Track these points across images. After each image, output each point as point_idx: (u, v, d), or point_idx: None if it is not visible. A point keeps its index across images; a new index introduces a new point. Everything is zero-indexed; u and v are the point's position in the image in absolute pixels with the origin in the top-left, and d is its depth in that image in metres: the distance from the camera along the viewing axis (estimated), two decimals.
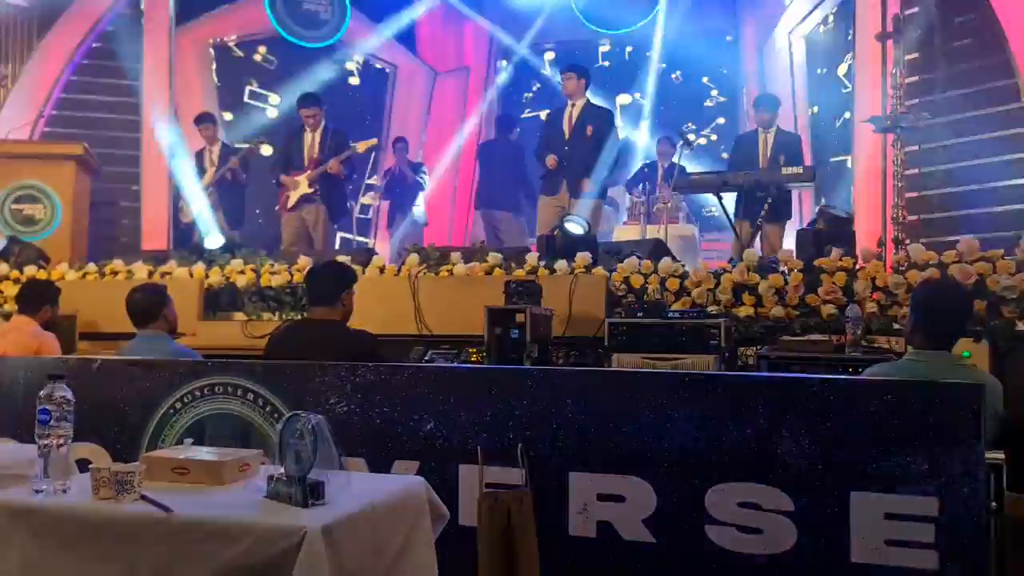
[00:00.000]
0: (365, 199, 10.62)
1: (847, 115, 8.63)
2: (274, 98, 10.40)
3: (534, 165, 7.52)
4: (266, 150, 9.09)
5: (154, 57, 9.01)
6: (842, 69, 8.99)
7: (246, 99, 10.05)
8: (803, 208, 8.89)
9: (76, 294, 5.32)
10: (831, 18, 9.38)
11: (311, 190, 7.37)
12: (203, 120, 8.30)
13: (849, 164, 8.53)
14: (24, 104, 8.61)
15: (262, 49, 10.68)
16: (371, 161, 9.87)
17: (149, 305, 4.17)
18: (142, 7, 9.08)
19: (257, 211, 9.29)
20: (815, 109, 9.61)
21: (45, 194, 7.12)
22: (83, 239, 7.44)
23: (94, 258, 6.33)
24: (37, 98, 8.64)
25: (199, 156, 8.25)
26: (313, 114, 7.48)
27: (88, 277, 5.94)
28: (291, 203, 7.42)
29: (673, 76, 10.95)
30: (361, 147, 7.53)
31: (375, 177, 10.47)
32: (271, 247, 6.88)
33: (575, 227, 5.54)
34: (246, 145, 8.46)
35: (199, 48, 10.26)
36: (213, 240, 6.52)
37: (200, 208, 7.85)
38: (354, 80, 11.24)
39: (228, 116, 10.20)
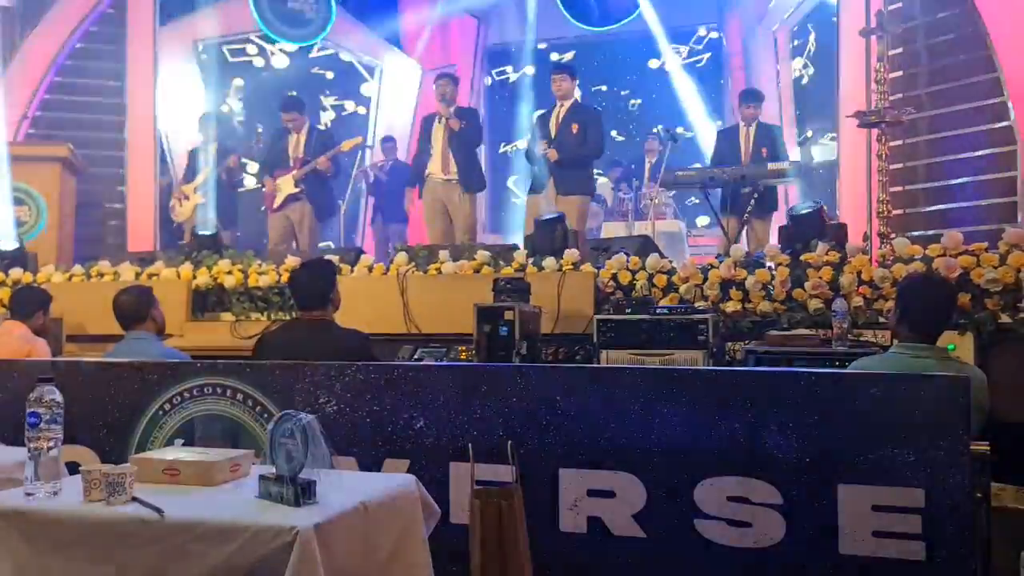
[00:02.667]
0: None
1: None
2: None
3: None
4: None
5: (138, 57, 8.95)
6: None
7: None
8: (790, 200, 8.92)
9: (62, 296, 5.28)
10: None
11: (297, 189, 7.36)
12: (205, 119, 8.32)
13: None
14: (8, 106, 8.54)
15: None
16: (357, 160, 9.79)
17: (136, 307, 4.15)
18: (126, 6, 9.01)
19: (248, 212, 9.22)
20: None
21: (30, 196, 7.07)
22: (69, 241, 7.40)
23: (80, 260, 6.28)
24: (21, 99, 8.56)
25: (192, 155, 8.23)
26: (293, 118, 7.50)
27: (74, 279, 5.89)
28: (277, 203, 7.41)
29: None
30: (347, 145, 7.53)
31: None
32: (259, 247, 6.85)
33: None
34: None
35: (184, 47, 10.20)
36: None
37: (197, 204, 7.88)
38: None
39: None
